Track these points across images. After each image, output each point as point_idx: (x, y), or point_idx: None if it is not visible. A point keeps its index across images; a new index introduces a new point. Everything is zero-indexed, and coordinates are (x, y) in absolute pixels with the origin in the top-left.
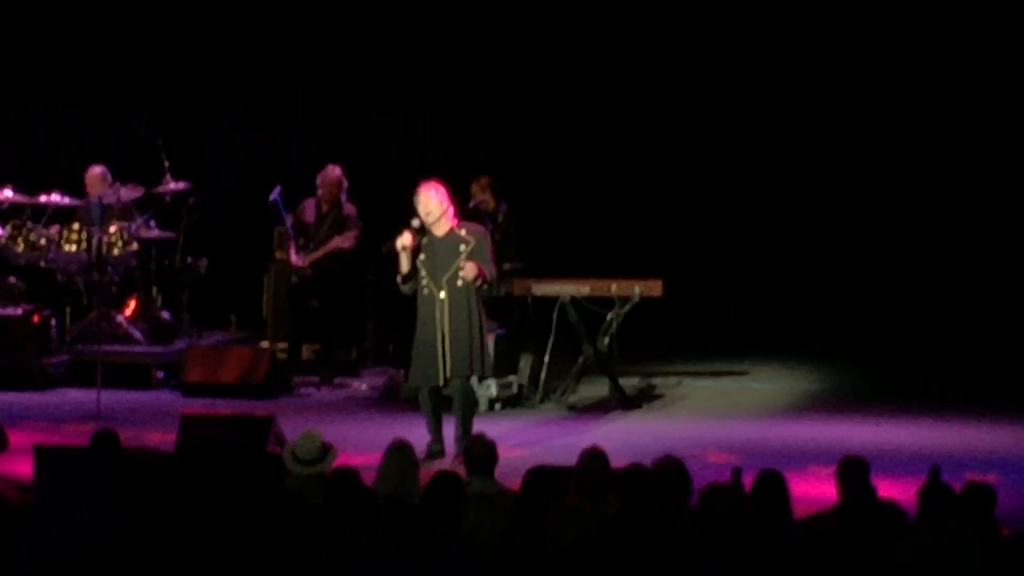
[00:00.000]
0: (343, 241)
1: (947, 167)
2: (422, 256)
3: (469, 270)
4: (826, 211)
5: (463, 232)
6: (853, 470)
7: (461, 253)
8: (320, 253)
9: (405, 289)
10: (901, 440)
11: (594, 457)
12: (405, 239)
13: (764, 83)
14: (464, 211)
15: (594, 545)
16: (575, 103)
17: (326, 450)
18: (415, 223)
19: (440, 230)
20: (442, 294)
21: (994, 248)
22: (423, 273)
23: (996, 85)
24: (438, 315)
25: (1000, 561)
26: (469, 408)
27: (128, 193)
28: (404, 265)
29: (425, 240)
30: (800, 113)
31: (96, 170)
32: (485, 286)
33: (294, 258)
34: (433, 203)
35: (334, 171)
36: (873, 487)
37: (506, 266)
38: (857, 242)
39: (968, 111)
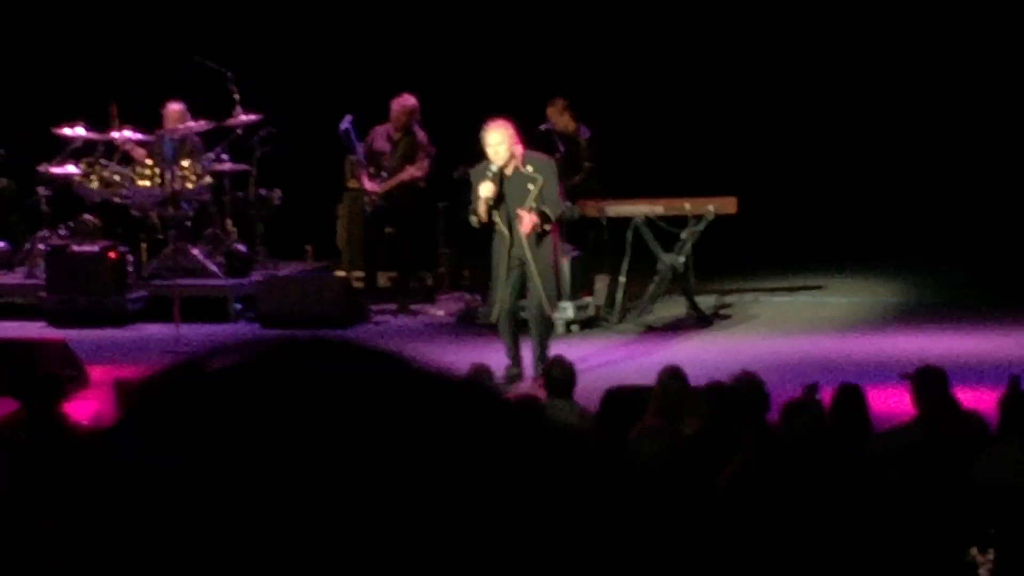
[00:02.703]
0: (415, 170)
1: None
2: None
3: (526, 225)
4: (901, 121)
5: (530, 169)
6: (931, 381)
7: (530, 192)
8: (392, 183)
9: (475, 224)
10: (981, 350)
11: (672, 377)
12: (489, 190)
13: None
14: (533, 135)
15: (673, 464)
16: (643, 24)
17: None
18: (493, 169)
19: (509, 169)
20: (515, 232)
21: None
22: (495, 213)
23: None
24: (513, 251)
25: None
26: (546, 330)
27: (199, 127)
28: (483, 215)
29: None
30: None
31: (175, 106)
32: (548, 227)
33: (367, 184)
34: (501, 144)
35: (408, 99)
36: (953, 397)
37: (597, 187)
38: (933, 150)
39: None
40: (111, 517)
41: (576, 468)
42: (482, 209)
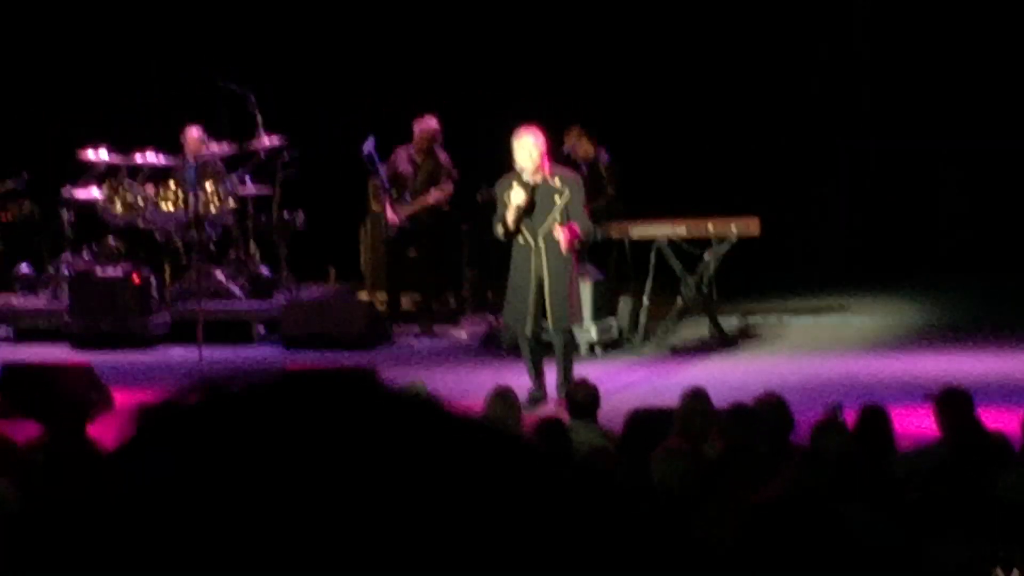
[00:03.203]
0: (439, 194)
1: None
2: None
3: (563, 241)
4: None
5: (557, 181)
6: (955, 403)
7: (557, 204)
8: (416, 206)
9: (500, 235)
10: (1005, 370)
11: (696, 398)
12: (521, 198)
13: None
14: (559, 157)
15: (697, 486)
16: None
17: None
18: (529, 182)
19: (537, 178)
20: (539, 243)
21: None
22: (521, 224)
23: None
24: (534, 264)
25: None
26: (569, 353)
27: (222, 150)
28: (512, 223)
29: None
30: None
31: (194, 132)
32: (578, 245)
33: (390, 215)
34: (533, 151)
35: (430, 122)
36: (978, 419)
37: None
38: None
39: None
40: (121, 525)
41: (595, 504)
42: (511, 218)
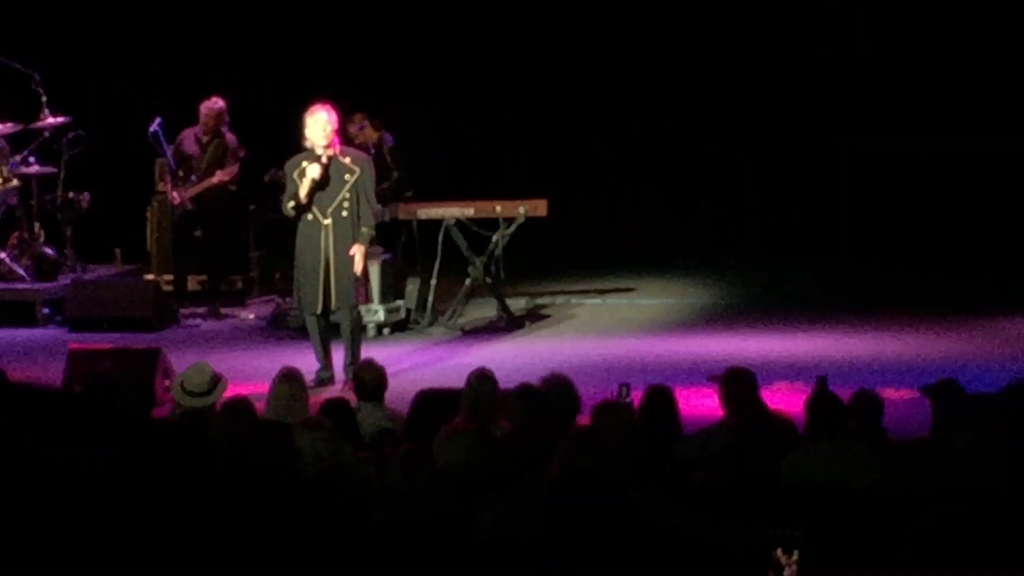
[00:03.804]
0: (224, 175)
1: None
2: None
3: (358, 262)
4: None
5: (347, 160)
6: (739, 382)
7: (347, 182)
8: (202, 187)
9: (290, 212)
10: (790, 351)
11: (481, 379)
12: (316, 171)
13: None
14: (346, 142)
15: (483, 467)
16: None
17: (216, 381)
18: (324, 157)
19: (328, 154)
20: (327, 221)
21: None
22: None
23: None
24: (322, 243)
25: (889, 468)
26: (357, 334)
27: (5, 129)
28: (305, 197)
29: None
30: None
31: None
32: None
33: (173, 196)
34: (327, 126)
35: (216, 103)
36: (761, 399)
37: (408, 194)
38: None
39: None
40: None
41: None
42: (305, 191)
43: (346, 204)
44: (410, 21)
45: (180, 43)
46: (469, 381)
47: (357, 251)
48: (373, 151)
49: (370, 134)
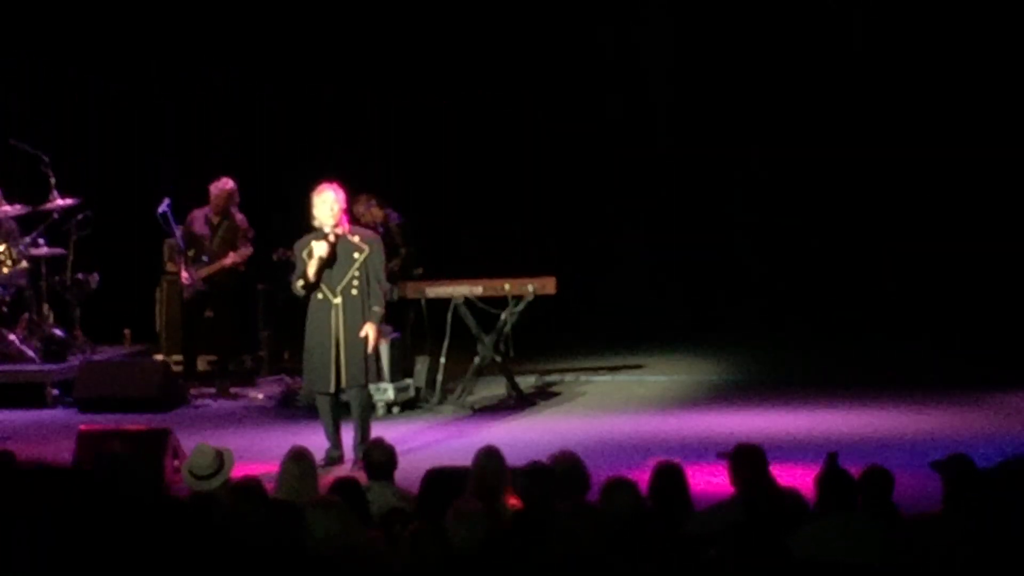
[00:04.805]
0: (237, 256)
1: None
2: None
3: (370, 341)
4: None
5: (356, 239)
6: (748, 459)
7: (356, 260)
8: (214, 268)
9: (299, 291)
10: (799, 428)
11: (489, 457)
12: (324, 249)
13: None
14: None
15: (491, 545)
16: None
17: (220, 460)
18: (332, 235)
19: (337, 233)
20: (336, 300)
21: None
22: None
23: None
24: (332, 321)
25: (900, 544)
26: (367, 413)
27: (15, 211)
28: (314, 275)
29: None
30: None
31: None
32: (377, 308)
33: (184, 277)
34: (335, 205)
35: (227, 183)
36: (770, 475)
37: (418, 271)
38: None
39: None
40: None
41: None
42: (313, 269)
43: (356, 283)
44: (421, 97)
45: (186, 124)
46: (477, 458)
47: (370, 330)
48: (381, 230)
49: (376, 213)
